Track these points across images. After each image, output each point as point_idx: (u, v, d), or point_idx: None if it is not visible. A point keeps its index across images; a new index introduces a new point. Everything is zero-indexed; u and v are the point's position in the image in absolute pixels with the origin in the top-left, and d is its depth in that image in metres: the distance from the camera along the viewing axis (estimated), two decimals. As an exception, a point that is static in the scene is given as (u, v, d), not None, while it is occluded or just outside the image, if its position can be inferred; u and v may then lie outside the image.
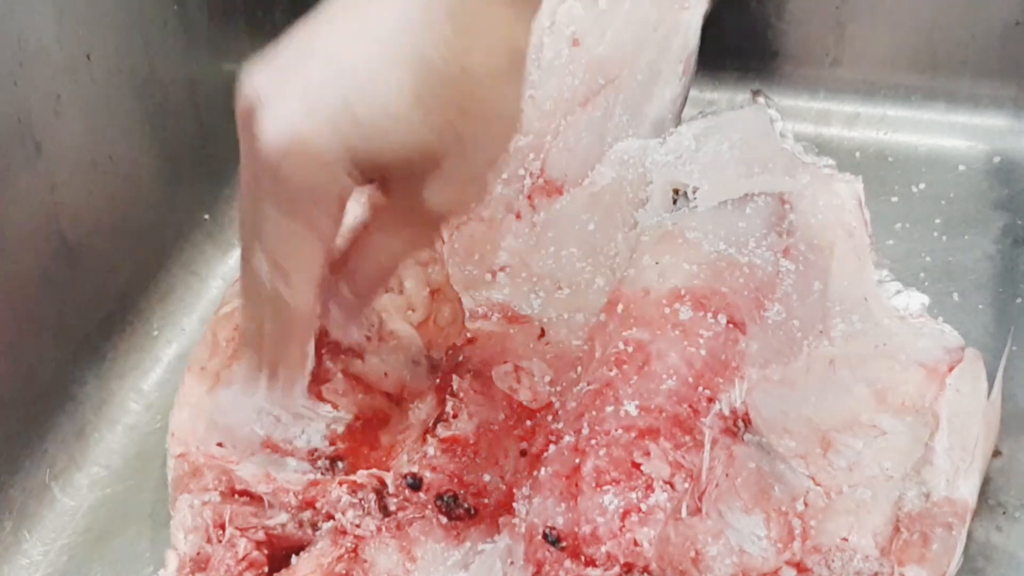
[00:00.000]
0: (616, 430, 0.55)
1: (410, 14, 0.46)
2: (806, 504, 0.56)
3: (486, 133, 0.48)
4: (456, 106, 0.46)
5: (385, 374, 0.61)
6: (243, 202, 0.50)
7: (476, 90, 0.47)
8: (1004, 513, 0.57)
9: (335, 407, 0.59)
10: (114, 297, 0.69)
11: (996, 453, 0.59)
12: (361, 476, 0.56)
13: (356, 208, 0.52)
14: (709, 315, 0.59)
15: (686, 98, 0.75)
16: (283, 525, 0.56)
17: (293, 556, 0.55)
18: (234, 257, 0.75)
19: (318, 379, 0.59)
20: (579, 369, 0.60)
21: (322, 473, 0.58)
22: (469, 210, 0.53)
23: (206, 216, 0.75)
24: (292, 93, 0.46)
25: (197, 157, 0.74)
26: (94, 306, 0.67)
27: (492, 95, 0.47)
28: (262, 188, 0.48)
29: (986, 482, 0.57)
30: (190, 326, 0.71)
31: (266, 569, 0.55)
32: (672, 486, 0.53)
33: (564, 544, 0.52)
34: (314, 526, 0.56)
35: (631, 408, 0.56)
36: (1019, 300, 0.67)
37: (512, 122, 0.49)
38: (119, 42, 0.67)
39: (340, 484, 0.56)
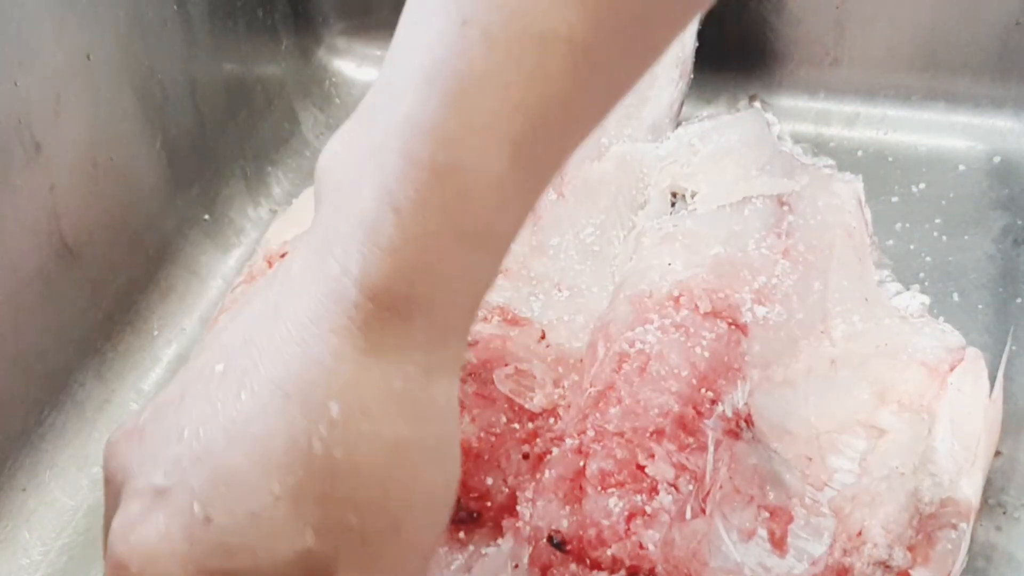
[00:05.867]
0: (619, 432, 0.55)
1: (286, 388, 0.37)
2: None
3: (398, 525, 0.38)
4: (350, 500, 0.37)
5: None
6: None
7: (372, 479, 0.37)
8: (1004, 513, 0.57)
9: None
10: (114, 297, 0.68)
11: (996, 453, 0.59)
12: (365, 481, 0.56)
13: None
14: (711, 317, 0.59)
15: (683, 102, 0.75)
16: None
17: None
18: (234, 257, 0.75)
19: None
20: (581, 371, 0.60)
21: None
22: None
23: (206, 216, 0.75)
24: (151, 481, 0.38)
25: (197, 157, 0.74)
26: (94, 306, 0.67)
27: (404, 480, 0.38)
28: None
29: (986, 482, 0.57)
30: (190, 326, 0.71)
31: None
32: (676, 488, 0.53)
33: (569, 547, 0.52)
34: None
35: (634, 410, 0.56)
36: (1019, 300, 0.67)
37: (440, 506, 0.40)
38: (119, 42, 0.67)
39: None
